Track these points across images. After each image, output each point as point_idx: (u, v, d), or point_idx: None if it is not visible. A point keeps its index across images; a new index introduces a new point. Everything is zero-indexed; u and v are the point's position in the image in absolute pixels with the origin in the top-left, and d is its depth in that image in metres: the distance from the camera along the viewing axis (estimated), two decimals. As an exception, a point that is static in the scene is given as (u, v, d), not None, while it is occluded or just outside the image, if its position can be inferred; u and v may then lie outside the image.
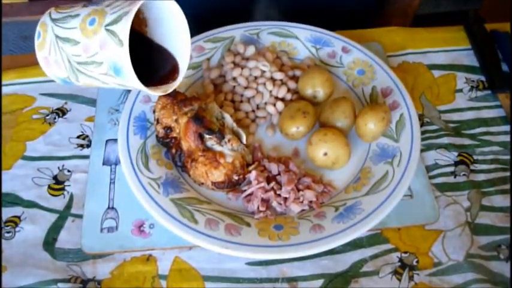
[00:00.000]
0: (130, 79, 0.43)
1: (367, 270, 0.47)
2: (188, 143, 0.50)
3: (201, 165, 0.49)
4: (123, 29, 0.41)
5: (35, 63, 0.63)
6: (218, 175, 0.49)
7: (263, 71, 0.58)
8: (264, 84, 0.57)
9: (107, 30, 0.42)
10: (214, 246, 0.45)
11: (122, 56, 0.41)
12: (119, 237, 0.49)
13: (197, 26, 0.63)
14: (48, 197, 0.52)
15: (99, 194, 0.52)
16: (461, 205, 0.51)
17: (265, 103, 0.57)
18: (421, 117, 0.58)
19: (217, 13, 0.67)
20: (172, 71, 0.48)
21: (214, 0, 0.75)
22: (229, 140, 0.50)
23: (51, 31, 0.45)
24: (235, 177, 0.50)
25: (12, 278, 0.46)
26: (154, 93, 0.46)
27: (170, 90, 0.46)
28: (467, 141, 0.56)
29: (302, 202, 0.49)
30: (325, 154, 0.50)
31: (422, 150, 0.55)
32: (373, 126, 0.51)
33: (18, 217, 0.50)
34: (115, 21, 0.42)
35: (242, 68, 0.57)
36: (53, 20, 0.46)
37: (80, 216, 0.50)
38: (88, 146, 0.56)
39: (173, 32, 0.47)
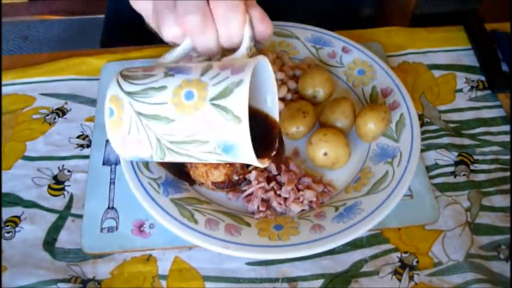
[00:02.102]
0: (245, 157, 0.37)
1: (367, 270, 0.47)
2: (188, 143, 0.50)
3: (201, 165, 0.49)
4: (239, 104, 0.35)
5: (35, 63, 0.64)
6: (218, 175, 0.49)
7: (263, 71, 0.58)
8: (264, 84, 0.57)
9: (214, 105, 0.36)
10: (214, 246, 0.45)
11: (239, 134, 0.35)
12: (119, 237, 0.49)
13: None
14: (48, 197, 0.52)
15: (99, 194, 0.52)
16: (461, 205, 0.51)
17: (265, 103, 0.57)
18: (421, 117, 0.58)
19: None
20: (270, 131, 0.42)
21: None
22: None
23: (130, 107, 0.38)
24: (235, 177, 0.50)
25: (12, 278, 0.46)
26: (263, 165, 0.40)
27: (273, 155, 0.41)
28: (467, 141, 0.56)
29: (302, 202, 0.49)
30: (325, 154, 0.50)
31: (422, 150, 0.55)
32: (373, 126, 0.51)
33: (18, 217, 0.50)
34: (223, 95, 0.36)
35: (242, 68, 0.57)
36: (129, 94, 0.39)
37: (80, 216, 0.50)
38: (88, 146, 0.56)
39: (262, 89, 0.42)
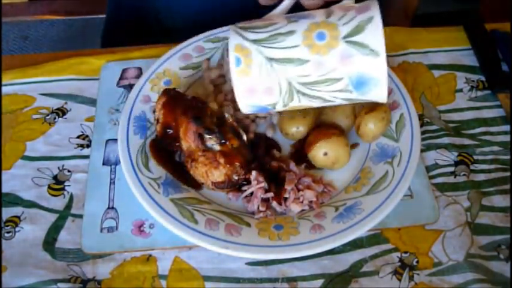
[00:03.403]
0: (377, 91, 0.39)
1: (367, 270, 0.47)
2: (188, 143, 0.50)
3: (201, 165, 0.49)
4: (375, 38, 0.37)
5: (35, 63, 0.64)
6: (218, 175, 0.49)
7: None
8: (264, 84, 0.57)
9: (349, 42, 0.38)
10: (214, 246, 0.45)
11: (377, 66, 0.38)
12: (119, 237, 0.49)
13: (197, 27, 0.64)
14: (48, 197, 0.52)
15: (99, 194, 0.52)
16: (461, 205, 0.51)
17: (265, 103, 0.57)
18: (421, 117, 0.58)
19: (218, 14, 0.67)
20: None
21: (214, 2, 0.76)
22: (229, 140, 0.50)
23: (259, 54, 0.40)
24: (235, 177, 0.50)
25: (12, 278, 0.46)
26: (386, 100, 0.42)
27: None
28: (467, 141, 0.56)
29: (302, 202, 0.49)
30: (325, 154, 0.50)
31: (422, 150, 0.55)
32: (373, 126, 0.51)
33: (18, 217, 0.50)
34: (356, 32, 0.38)
35: (242, 68, 0.57)
36: (255, 42, 0.41)
37: (80, 216, 0.50)
38: (88, 146, 0.56)
39: None
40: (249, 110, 0.45)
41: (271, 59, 0.40)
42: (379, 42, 0.38)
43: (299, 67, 0.40)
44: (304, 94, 0.41)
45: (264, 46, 0.40)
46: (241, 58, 0.41)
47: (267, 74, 0.40)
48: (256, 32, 0.41)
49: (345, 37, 0.38)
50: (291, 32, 0.40)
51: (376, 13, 0.38)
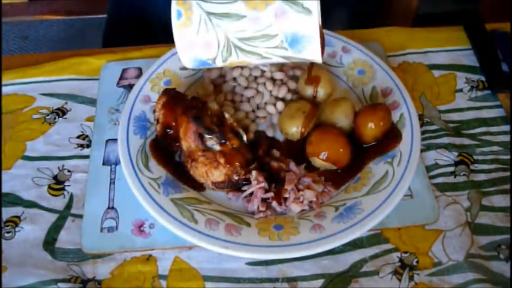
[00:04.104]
0: (311, 48, 0.41)
1: (367, 270, 0.47)
2: (188, 143, 0.50)
3: (201, 165, 0.49)
4: None
5: (35, 63, 0.64)
6: (218, 175, 0.49)
7: (263, 71, 0.58)
8: (264, 84, 0.57)
9: None
10: (214, 246, 0.45)
11: (309, 24, 0.39)
12: (119, 237, 0.49)
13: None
14: (48, 197, 0.52)
15: (99, 194, 0.52)
16: (461, 205, 0.51)
17: (265, 103, 0.57)
18: (421, 117, 0.58)
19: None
20: None
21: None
22: (229, 140, 0.50)
23: (199, 8, 0.41)
24: (235, 177, 0.50)
25: (12, 278, 0.46)
26: (321, 59, 0.44)
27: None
28: (467, 141, 0.56)
29: (302, 202, 0.49)
30: (326, 154, 0.50)
31: (422, 150, 0.55)
32: (373, 126, 0.51)
33: (18, 217, 0.50)
34: None
35: (242, 68, 0.57)
36: None
37: (80, 216, 0.50)
38: (88, 146, 0.56)
39: None
40: (191, 65, 0.46)
41: (210, 13, 0.41)
42: (313, 0, 0.39)
43: (236, 22, 0.41)
44: (241, 49, 0.42)
45: (204, 1, 0.41)
46: (182, 11, 0.42)
47: (206, 28, 0.42)
48: None
49: None
50: None
51: None
